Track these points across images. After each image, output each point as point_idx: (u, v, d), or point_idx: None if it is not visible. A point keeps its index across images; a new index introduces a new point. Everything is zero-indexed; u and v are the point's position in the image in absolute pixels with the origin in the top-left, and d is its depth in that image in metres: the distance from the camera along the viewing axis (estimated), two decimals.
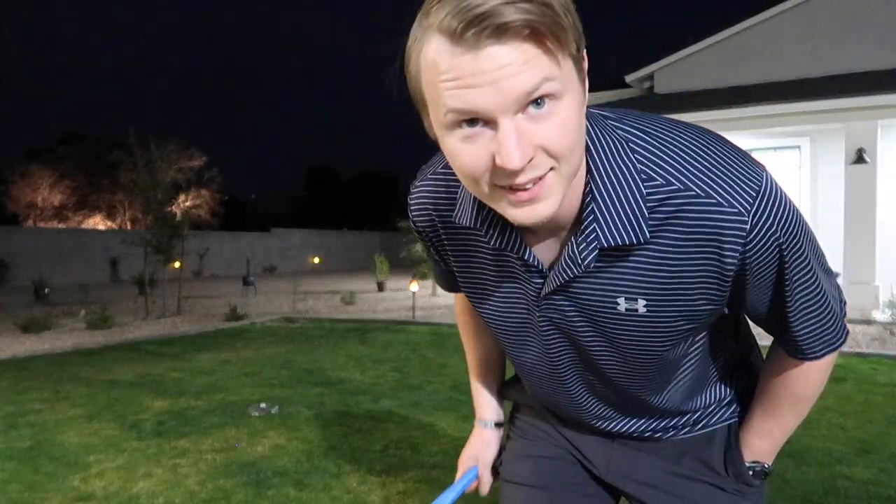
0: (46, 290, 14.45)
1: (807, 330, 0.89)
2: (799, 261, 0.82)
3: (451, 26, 0.64)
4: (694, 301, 0.83)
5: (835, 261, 9.33)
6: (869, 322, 8.56)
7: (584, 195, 0.80)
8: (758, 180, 0.77)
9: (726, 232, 0.77)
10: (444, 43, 0.65)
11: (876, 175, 9.04)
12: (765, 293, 0.85)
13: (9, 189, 31.22)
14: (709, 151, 0.79)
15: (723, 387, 1.05)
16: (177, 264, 11.66)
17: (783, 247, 0.79)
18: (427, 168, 0.98)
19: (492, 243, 0.86)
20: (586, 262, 0.80)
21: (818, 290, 0.86)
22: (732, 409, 1.06)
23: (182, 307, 11.51)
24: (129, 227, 29.87)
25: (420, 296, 12.80)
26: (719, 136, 0.82)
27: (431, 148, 0.89)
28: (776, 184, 0.79)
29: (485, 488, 1.23)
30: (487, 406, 1.27)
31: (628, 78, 13.47)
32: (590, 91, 0.75)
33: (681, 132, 0.81)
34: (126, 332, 9.18)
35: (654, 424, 1.05)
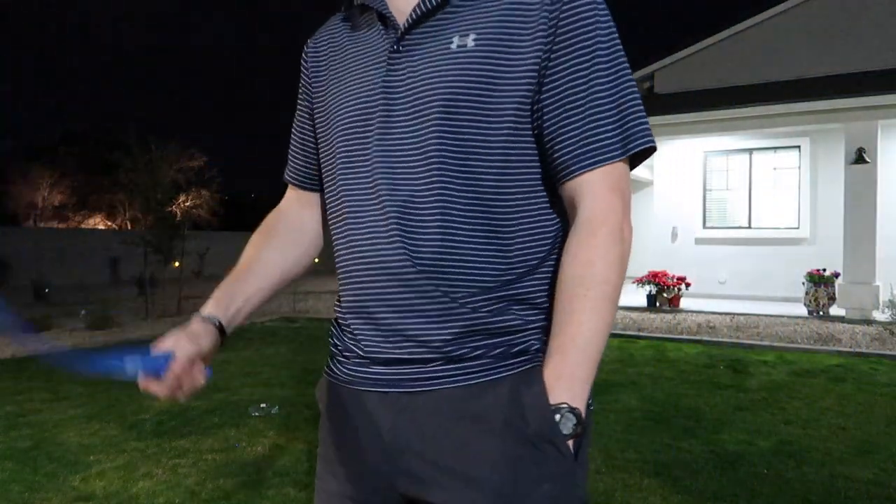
0: (46, 290, 14.45)
1: (581, 128, 0.88)
2: (600, 44, 0.89)
3: None
4: (515, 47, 0.88)
5: (835, 261, 9.34)
6: (869, 322, 8.56)
7: None
8: None
9: None
10: None
11: (876, 175, 9.03)
12: (562, 77, 0.89)
13: (9, 189, 31.22)
14: None
15: (522, 288, 0.92)
16: (176, 264, 11.66)
17: (591, 22, 0.89)
18: None
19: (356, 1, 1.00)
20: None
21: (610, 82, 0.89)
22: (523, 345, 0.90)
23: (182, 307, 11.51)
24: (129, 227, 29.86)
25: None
26: None
27: None
28: None
29: (162, 389, 0.93)
30: (215, 301, 1.08)
31: None
32: None
33: None
34: (126, 332, 9.17)
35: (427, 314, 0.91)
